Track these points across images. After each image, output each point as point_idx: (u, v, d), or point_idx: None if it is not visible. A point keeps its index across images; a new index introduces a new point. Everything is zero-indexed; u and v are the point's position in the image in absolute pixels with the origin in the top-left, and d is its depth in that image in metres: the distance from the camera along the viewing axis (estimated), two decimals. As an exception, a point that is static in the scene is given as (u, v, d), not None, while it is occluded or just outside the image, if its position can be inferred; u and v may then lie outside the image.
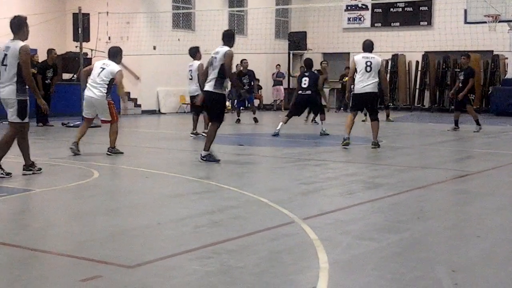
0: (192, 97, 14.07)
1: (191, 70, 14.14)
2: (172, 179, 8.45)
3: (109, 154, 10.55)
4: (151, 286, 4.10)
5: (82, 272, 4.32)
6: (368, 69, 11.97)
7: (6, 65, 7.96)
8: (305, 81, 14.83)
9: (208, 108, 10.29)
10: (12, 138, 8.17)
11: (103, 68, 10.48)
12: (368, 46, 12.33)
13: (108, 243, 5.15)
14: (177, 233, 5.51)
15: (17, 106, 8.02)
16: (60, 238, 5.31)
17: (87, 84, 10.61)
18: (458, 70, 19.46)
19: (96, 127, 13.17)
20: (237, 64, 24.55)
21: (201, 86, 10.98)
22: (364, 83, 12.00)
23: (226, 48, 9.91)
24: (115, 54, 10.79)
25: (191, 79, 14.17)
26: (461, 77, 16.24)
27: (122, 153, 10.69)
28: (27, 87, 8.07)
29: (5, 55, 7.99)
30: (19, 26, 8.17)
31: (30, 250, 4.86)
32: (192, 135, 14.14)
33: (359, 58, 12.18)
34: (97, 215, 6.23)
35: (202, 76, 10.52)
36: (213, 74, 9.79)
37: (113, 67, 10.54)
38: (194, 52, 14.30)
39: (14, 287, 4.10)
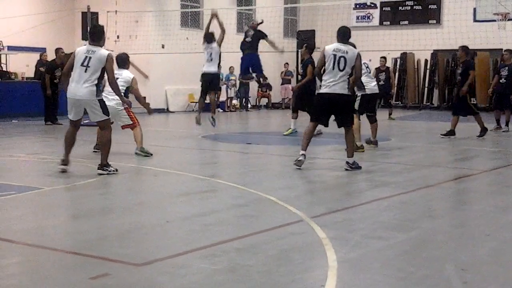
0: (207, 76, 14.04)
1: (211, 52, 14.08)
2: (181, 178, 8.46)
3: (139, 154, 10.36)
4: (159, 284, 4.11)
5: (90, 270, 4.34)
6: (368, 70, 11.49)
7: (89, 66, 8.22)
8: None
9: (339, 111, 9.09)
10: (110, 135, 8.52)
11: (117, 78, 10.40)
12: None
13: (117, 241, 5.16)
14: (185, 231, 5.52)
15: (100, 105, 8.34)
16: (69, 236, 5.33)
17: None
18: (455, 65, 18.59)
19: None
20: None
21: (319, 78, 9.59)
22: (371, 84, 11.65)
23: (354, 49, 9.23)
24: (124, 62, 10.78)
25: (211, 60, 14.11)
26: (459, 71, 15.66)
27: (151, 154, 10.42)
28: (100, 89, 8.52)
29: (89, 58, 8.24)
30: (101, 34, 8.59)
31: (38, 248, 4.88)
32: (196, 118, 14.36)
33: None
34: (106, 213, 6.25)
35: (319, 72, 9.47)
36: (341, 74, 8.93)
37: (127, 74, 10.49)
38: (212, 36, 14.31)
39: (23, 285, 4.12)
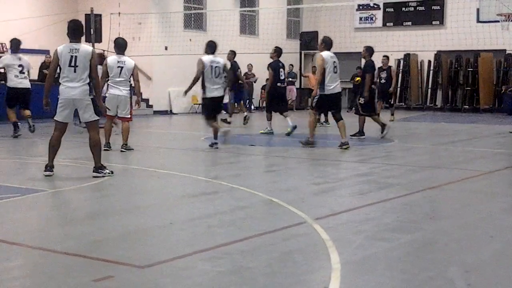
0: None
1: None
2: (184, 180, 8.46)
3: (123, 151, 10.98)
4: (163, 286, 4.11)
5: (94, 272, 4.34)
6: (336, 70, 11.90)
7: (77, 66, 8.13)
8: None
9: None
10: (99, 135, 8.46)
11: (122, 67, 10.92)
12: (332, 44, 12.13)
13: (120, 243, 5.17)
14: (189, 233, 5.52)
15: (93, 105, 8.32)
16: (72, 238, 5.33)
17: (110, 83, 11.00)
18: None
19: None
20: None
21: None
22: (334, 83, 11.86)
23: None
24: (123, 47, 11.28)
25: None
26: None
27: (133, 149, 11.14)
28: None
29: (75, 57, 8.13)
30: (82, 30, 8.57)
31: (41, 250, 4.89)
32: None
33: (328, 57, 11.78)
34: (109, 215, 6.25)
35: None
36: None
37: (130, 62, 11.07)
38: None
39: (26, 287, 4.12)
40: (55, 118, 8.34)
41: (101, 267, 4.45)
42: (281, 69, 15.30)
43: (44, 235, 5.44)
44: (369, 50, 14.16)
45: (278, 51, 15.31)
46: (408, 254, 4.89)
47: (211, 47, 11.73)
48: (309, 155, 11.25)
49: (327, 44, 12.05)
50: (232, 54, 17.18)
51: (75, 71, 8.09)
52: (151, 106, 23.70)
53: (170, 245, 5.11)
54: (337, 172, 9.28)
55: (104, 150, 10.37)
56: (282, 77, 15.29)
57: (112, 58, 11.05)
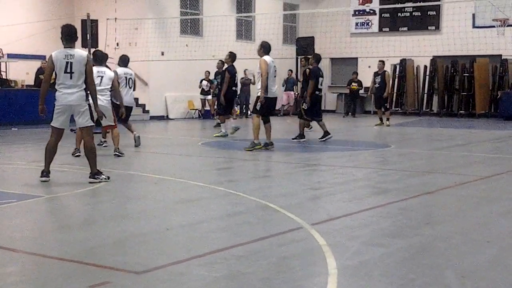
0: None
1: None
2: (181, 185, 8.45)
3: (118, 155, 11.16)
4: (160, 292, 4.11)
5: (90, 278, 4.33)
6: (275, 74, 12.46)
7: (72, 72, 8.12)
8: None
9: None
10: (93, 141, 8.45)
11: (102, 76, 11.22)
12: (270, 48, 12.57)
13: (117, 249, 5.16)
14: (186, 238, 5.51)
15: (89, 111, 8.34)
16: (69, 244, 5.32)
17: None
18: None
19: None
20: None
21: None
22: (275, 87, 12.48)
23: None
24: (103, 58, 11.68)
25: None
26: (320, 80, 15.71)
27: (123, 154, 11.28)
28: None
29: (70, 63, 8.12)
30: (76, 35, 8.47)
31: (38, 256, 4.88)
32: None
33: (270, 62, 12.33)
34: (105, 221, 6.24)
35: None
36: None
37: (109, 72, 11.45)
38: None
39: (23, 293, 4.11)
40: (51, 124, 8.33)
41: (97, 273, 4.44)
42: (236, 74, 15.96)
43: (40, 241, 5.43)
44: (316, 57, 14.74)
45: (232, 56, 15.73)
46: (404, 259, 4.89)
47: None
48: (305, 161, 11.25)
49: (266, 48, 12.46)
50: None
51: (71, 78, 8.08)
52: (147, 111, 23.70)
53: (166, 250, 5.10)
54: (334, 177, 9.29)
55: (117, 155, 11.04)
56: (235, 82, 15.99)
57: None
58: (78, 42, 24.39)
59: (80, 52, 8.30)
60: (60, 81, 8.13)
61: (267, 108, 12.51)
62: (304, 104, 14.48)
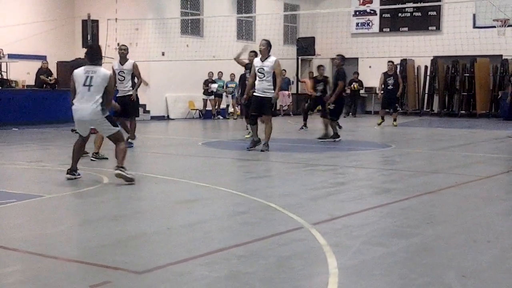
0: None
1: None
2: (181, 185, 8.45)
3: (94, 160, 10.53)
4: (160, 291, 4.10)
5: (91, 278, 4.33)
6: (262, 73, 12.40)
7: (91, 85, 8.23)
8: None
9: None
10: (124, 145, 8.51)
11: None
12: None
13: (117, 249, 5.16)
14: (187, 238, 5.51)
15: (108, 122, 8.38)
16: (70, 244, 5.32)
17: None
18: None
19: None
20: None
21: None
22: (258, 86, 12.36)
23: None
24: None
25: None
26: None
27: (107, 158, 10.59)
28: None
29: (91, 77, 8.25)
30: (100, 53, 8.65)
31: (39, 256, 4.87)
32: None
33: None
34: (106, 220, 6.24)
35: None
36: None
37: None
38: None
39: (23, 293, 4.11)
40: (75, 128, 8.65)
41: (98, 273, 4.44)
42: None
43: (40, 241, 5.42)
44: (342, 58, 15.02)
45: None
46: (405, 259, 4.89)
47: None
48: (306, 160, 11.25)
49: (271, 47, 12.50)
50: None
51: (89, 90, 8.23)
52: (148, 112, 23.70)
53: (168, 250, 5.10)
54: (335, 177, 9.28)
55: (93, 160, 10.44)
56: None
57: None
58: (79, 42, 24.47)
59: (104, 70, 8.38)
60: (78, 93, 8.29)
61: (248, 106, 12.78)
62: (330, 104, 14.60)
